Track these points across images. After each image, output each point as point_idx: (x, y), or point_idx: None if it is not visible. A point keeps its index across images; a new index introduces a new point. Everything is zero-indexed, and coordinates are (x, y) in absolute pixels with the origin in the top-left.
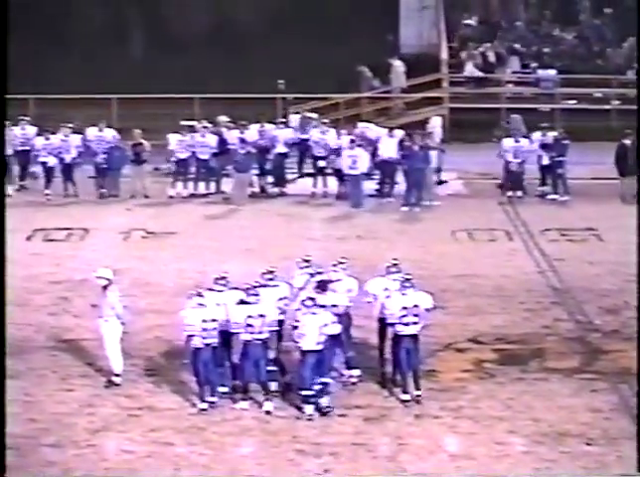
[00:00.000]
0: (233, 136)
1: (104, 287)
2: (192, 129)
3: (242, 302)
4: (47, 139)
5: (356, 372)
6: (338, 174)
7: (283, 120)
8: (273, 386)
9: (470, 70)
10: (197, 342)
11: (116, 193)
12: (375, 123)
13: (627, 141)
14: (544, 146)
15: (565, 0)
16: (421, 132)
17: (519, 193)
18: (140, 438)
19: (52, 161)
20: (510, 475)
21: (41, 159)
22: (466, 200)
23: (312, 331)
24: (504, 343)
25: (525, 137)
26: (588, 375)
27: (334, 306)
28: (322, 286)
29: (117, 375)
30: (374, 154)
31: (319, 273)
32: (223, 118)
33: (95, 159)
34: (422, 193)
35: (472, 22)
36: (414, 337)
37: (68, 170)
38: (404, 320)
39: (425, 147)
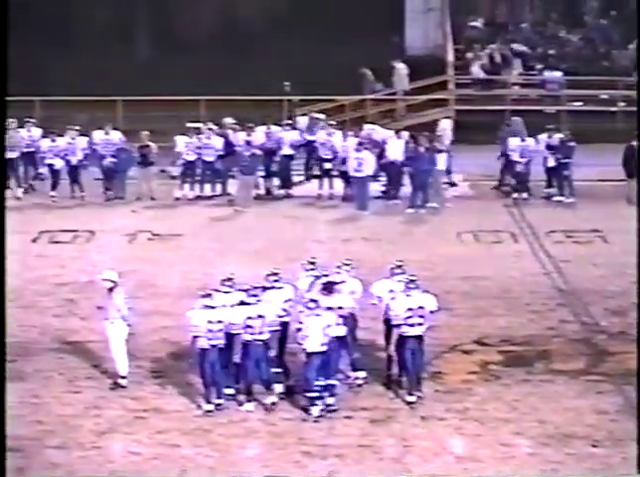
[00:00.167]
0: (239, 138)
1: (110, 289)
2: (198, 131)
3: (242, 303)
4: (53, 141)
5: (361, 373)
6: (344, 176)
7: (289, 122)
8: (278, 388)
9: (476, 71)
10: (203, 343)
11: (122, 195)
12: (381, 125)
13: (635, 143)
14: (550, 148)
15: (571, 2)
16: (428, 134)
17: (524, 194)
18: (146, 440)
19: (58, 163)
20: None
21: (47, 161)
22: (472, 201)
23: (316, 332)
24: (509, 345)
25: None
26: (594, 376)
27: (340, 308)
28: (328, 288)
29: (123, 377)
30: (379, 156)
31: (325, 275)
32: (228, 120)
33: (102, 161)
34: (428, 195)
35: (478, 24)
36: (419, 338)
37: (74, 172)
38: (410, 321)
39: (432, 149)
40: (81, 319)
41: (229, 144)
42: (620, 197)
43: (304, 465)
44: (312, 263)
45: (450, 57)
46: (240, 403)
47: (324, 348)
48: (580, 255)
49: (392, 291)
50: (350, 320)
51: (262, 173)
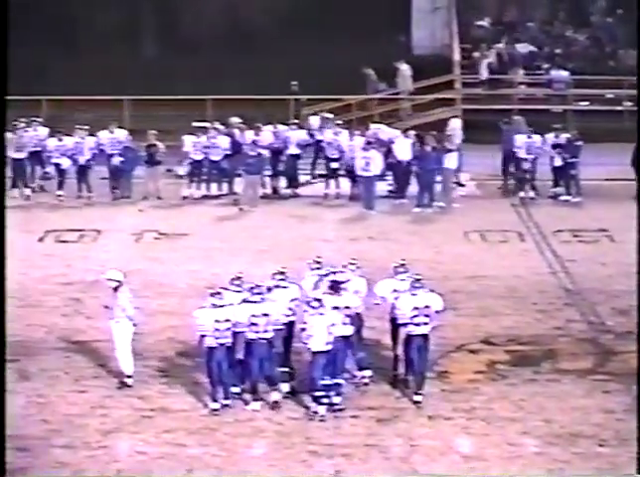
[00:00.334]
0: (247, 138)
1: (115, 289)
2: (205, 131)
3: (246, 301)
4: (60, 141)
5: (367, 372)
6: (351, 175)
7: (296, 121)
8: (284, 387)
9: (483, 71)
10: (210, 342)
11: (129, 194)
12: (387, 124)
13: None
14: (556, 147)
15: (578, 1)
16: (435, 134)
17: (531, 193)
18: (153, 439)
19: (65, 163)
20: (522, 476)
21: (54, 161)
22: (479, 201)
23: (320, 332)
24: (516, 344)
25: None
26: (601, 376)
27: (346, 307)
28: (334, 287)
29: (129, 376)
30: (386, 155)
31: (332, 273)
32: (235, 119)
33: (109, 161)
34: (434, 194)
35: (484, 23)
36: (425, 337)
37: (82, 171)
38: (416, 320)
39: (439, 149)
40: (88, 318)
41: (235, 143)
42: (627, 196)
43: (311, 464)
44: (318, 263)
45: (457, 56)
46: (247, 403)
47: (329, 347)
48: (587, 255)
49: (395, 291)
50: (356, 319)
51: (269, 172)
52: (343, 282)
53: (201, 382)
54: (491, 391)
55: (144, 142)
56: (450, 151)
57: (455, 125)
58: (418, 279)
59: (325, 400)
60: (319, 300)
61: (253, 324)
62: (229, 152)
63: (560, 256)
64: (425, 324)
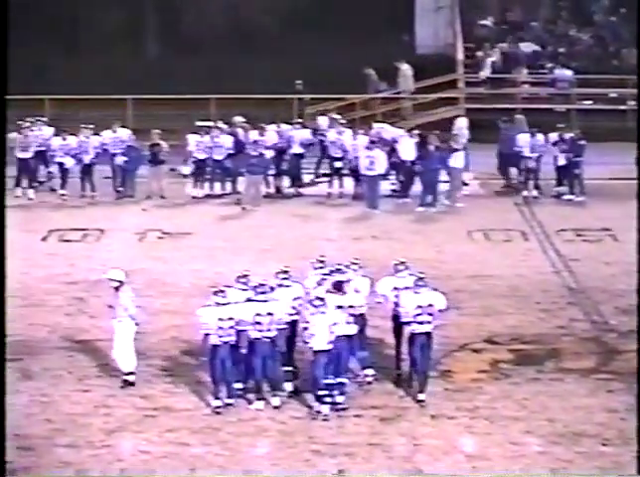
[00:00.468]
0: (251, 137)
1: (117, 288)
2: (209, 130)
3: (251, 300)
4: (64, 140)
5: (370, 371)
6: (354, 174)
7: (299, 121)
8: (288, 386)
9: (487, 70)
10: (214, 340)
11: (132, 193)
12: (390, 124)
13: None
14: (560, 146)
15: (581, 0)
16: (438, 133)
17: (534, 192)
18: (156, 439)
19: (69, 162)
20: (525, 475)
21: (57, 160)
22: (482, 200)
23: (322, 331)
24: (519, 343)
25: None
26: (604, 375)
27: (350, 307)
28: (338, 287)
29: (130, 373)
30: (389, 155)
31: (337, 270)
32: (238, 119)
33: (113, 160)
34: (438, 193)
35: (488, 22)
36: (428, 335)
37: (86, 171)
38: (419, 319)
39: (442, 148)
40: (91, 318)
41: (238, 143)
42: (630, 195)
43: (314, 464)
44: (321, 262)
45: (460, 55)
46: (250, 402)
47: (330, 346)
48: (591, 254)
49: (396, 289)
50: (359, 319)
51: (273, 171)
52: (345, 281)
53: (204, 381)
54: (494, 390)
55: (147, 141)
56: (456, 150)
57: (461, 124)
58: (422, 278)
59: (328, 400)
60: (322, 299)
61: (257, 323)
62: (232, 151)
63: (563, 256)
64: (429, 322)
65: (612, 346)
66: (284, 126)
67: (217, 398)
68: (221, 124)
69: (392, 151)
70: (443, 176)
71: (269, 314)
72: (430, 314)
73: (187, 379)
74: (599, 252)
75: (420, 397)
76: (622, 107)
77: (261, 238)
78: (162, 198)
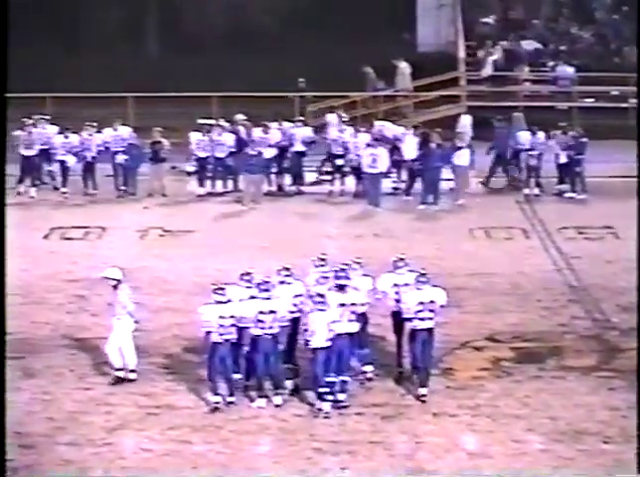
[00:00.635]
0: (255, 135)
1: (114, 287)
2: (210, 128)
3: (254, 297)
4: (66, 138)
5: (369, 367)
6: (356, 172)
7: (301, 119)
8: (289, 384)
9: (488, 68)
10: (215, 337)
11: (134, 191)
12: (392, 122)
13: None
14: (562, 144)
15: None
16: (439, 131)
17: (536, 190)
18: (158, 437)
19: (70, 160)
20: (527, 473)
21: (59, 158)
22: (483, 198)
23: (321, 328)
24: (521, 341)
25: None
26: (606, 373)
27: (352, 304)
28: (340, 285)
29: (119, 369)
30: (391, 152)
31: (341, 269)
32: (239, 117)
33: (115, 158)
34: (439, 191)
35: (490, 20)
36: (430, 331)
37: (89, 168)
38: (420, 315)
39: (452, 147)
40: (93, 315)
41: (240, 141)
42: (632, 193)
43: (315, 462)
44: (322, 260)
45: (462, 53)
46: (252, 400)
47: (329, 343)
48: (592, 252)
49: (396, 285)
50: (360, 317)
51: (274, 169)
52: (347, 279)
53: (206, 379)
54: (496, 388)
55: (149, 139)
56: (460, 148)
57: (465, 122)
58: (423, 274)
59: (329, 397)
60: (322, 296)
61: (260, 320)
62: (234, 149)
63: (564, 253)
64: (430, 319)
65: (614, 344)
66: (286, 124)
67: (215, 394)
68: (222, 122)
69: (393, 149)
70: (446, 174)
71: (272, 312)
72: (432, 310)
73: (189, 376)
74: (601, 250)
75: (422, 391)
76: (624, 105)
77: (263, 235)
78: (163, 196)
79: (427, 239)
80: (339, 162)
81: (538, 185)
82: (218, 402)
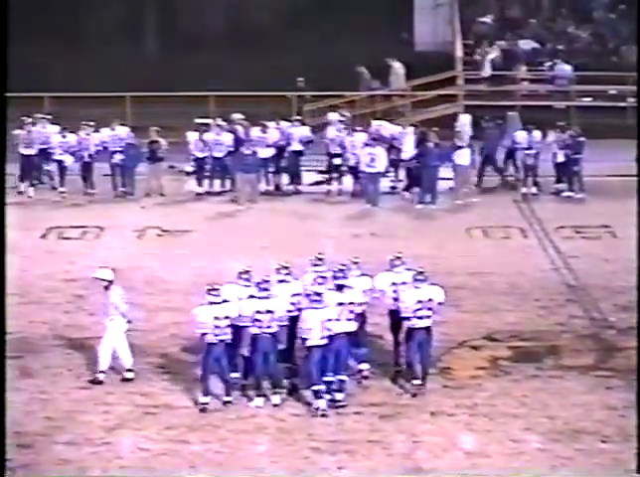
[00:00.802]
0: (253, 135)
1: (106, 288)
2: (208, 127)
3: (252, 297)
4: (64, 137)
5: (365, 365)
6: (353, 171)
7: (298, 118)
8: (287, 383)
9: (487, 67)
10: (210, 338)
11: (131, 191)
12: (389, 121)
13: None
14: (559, 143)
15: None
16: (437, 130)
17: (533, 189)
18: (156, 436)
19: (68, 160)
20: (525, 472)
21: (56, 157)
22: (481, 197)
23: (316, 326)
24: (519, 340)
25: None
26: (604, 372)
27: (351, 303)
28: (339, 286)
29: (102, 371)
30: (388, 152)
31: (341, 271)
32: (237, 116)
33: (112, 158)
34: (437, 190)
35: (487, 19)
36: (428, 330)
37: (87, 168)
38: (419, 313)
39: (452, 146)
40: (90, 315)
41: (238, 140)
42: (630, 192)
43: (313, 461)
44: (320, 259)
45: (459, 52)
46: (250, 399)
47: (324, 341)
48: (590, 251)
49: (394, 284)
50: (358, 316)
51: (272, 169)
52: (345, 279)
53: (199, 379)
54: (494, 387)
55: (146, 139)
56: (461, 148)
57: (464, 121)
58: (421, 272)
59: (326, 396)
60: (318, 294)
61: (257, 320)
62: (232, 149)
63: (562, 253)
64: (428, 317)
65: (611, 343)
66: (283, 123)
67: (205, 395)
68: (220, 122)
69: (391, 148)
70: (444, 173)
71: (269, 312)
72: (430, 308)
73: (186, 376)
74: (598, 249)
75: (415, 382)
76: (622, 104)
77: (260, 235)
78: (161, 195)
79: (425, 239)
80: (337, 161)
81: (535, 184)
82: (206, 403)
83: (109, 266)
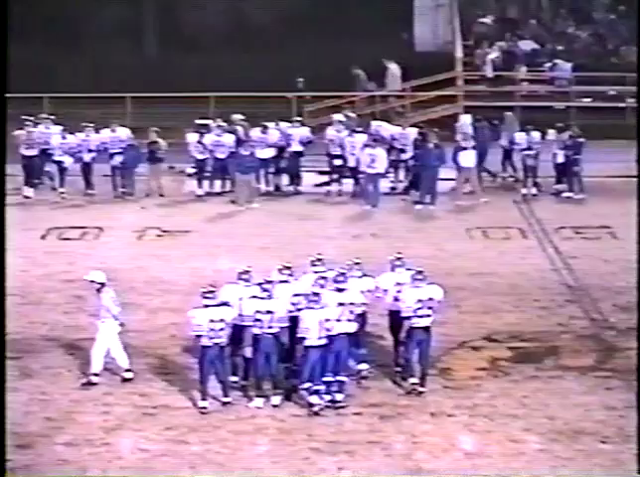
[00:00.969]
0: (254, 135)
1: (98, 290)
2: (208, 128)
3: (255, 297)
4: (64, 138)
5: (364, 365)
6: (353, 172)
7: (299, 119)
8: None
9: (487, 68)
10: (205, 341)
11: (131, 191)
12: (388, 121)
13: None
14: (559, 144)
15: None
16: (436, 130)
17: (533, 190)
18: (155, 437)
19: (67, 161)
20: (525, 473)
21: (56, 158)
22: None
23: (313, 326)
24: (519, 341)
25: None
26: (603, 372)
27: (351, 304)
28: (339, 290)
29: (96, 374)
30: (388, 152)
31: (342, 275)
32: (237, 116)
33: (112, 159)
34: (436, 191)
35: (487, 20)
36: (427, 329)
37: (86, 169)
38: (419, 313)
39: (456, 147)
40: (90, 316)
41: (238, 141)
42: (629, 193)
43: (313, 462)
44: (319, 260)
45: (459, 53)
46: (250, 399)
47: (323, 342)
48: (590, 252)
49: (398, 284)
50: (359, 317)
51: (272, 169)
52: (345, 281)
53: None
54: (493, 387)
55: (146, 139)
56: (465, 149)
57: (465, 121)
58: (420, 272)
59: (323, 394)
60: (316, 294)
61: (258, 320)
62: (234, 150)
63: (562, 253)
64: (428, 316)
65: (611, 343)
66: (283, 124)
67: (203, 399)
68: (220, 122)
69: (390, 149)
70: (444, 174)
71: (269, 312)
72: (430, 307)
73: (186, 377)
74: (598, 250)
75: (412, 380)
76: (621, 105)
77: (260, 236)
78: (161, 196)
79: (425, 240)
80: (337, 162)
81: (535, 185)
82: (205, 408)
83: (109, 267)
